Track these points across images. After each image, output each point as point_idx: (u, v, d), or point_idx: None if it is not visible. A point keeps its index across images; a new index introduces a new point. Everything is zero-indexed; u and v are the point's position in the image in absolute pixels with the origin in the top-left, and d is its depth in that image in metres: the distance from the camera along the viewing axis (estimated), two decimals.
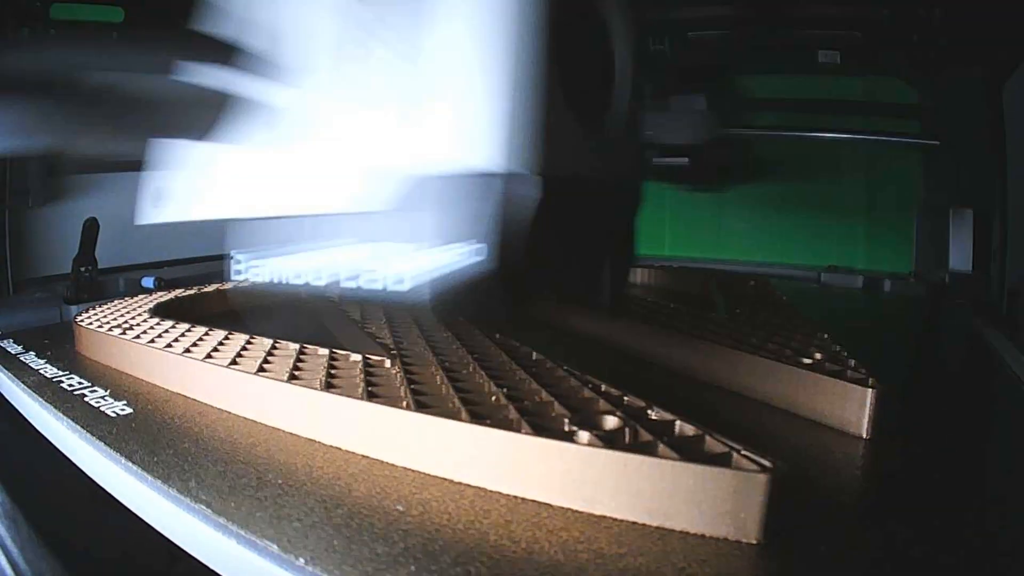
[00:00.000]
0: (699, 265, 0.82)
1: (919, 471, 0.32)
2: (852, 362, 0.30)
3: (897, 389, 0.29)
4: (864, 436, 0.28)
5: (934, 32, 0.72)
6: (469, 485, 0.22)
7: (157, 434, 0.27)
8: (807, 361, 0.31)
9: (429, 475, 0.23)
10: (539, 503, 0.21)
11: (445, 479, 0.22)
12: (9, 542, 0.29)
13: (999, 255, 0.72)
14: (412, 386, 0.26)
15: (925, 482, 0.30)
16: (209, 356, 0.31)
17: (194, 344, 0.34)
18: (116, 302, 0.48)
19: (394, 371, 0.29)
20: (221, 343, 0.34)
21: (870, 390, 0.27)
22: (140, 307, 0.45)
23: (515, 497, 0.21)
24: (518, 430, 0.21)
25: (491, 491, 0.22)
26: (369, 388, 0.26)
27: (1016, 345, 0.46)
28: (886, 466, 0.29)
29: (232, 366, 0.30)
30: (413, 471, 0.23)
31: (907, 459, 0.32)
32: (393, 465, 0.24)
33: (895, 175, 0.84)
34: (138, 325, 0.39)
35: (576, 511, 0.20)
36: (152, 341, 0.35)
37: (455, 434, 0.22)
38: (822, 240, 0.88)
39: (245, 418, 0.29)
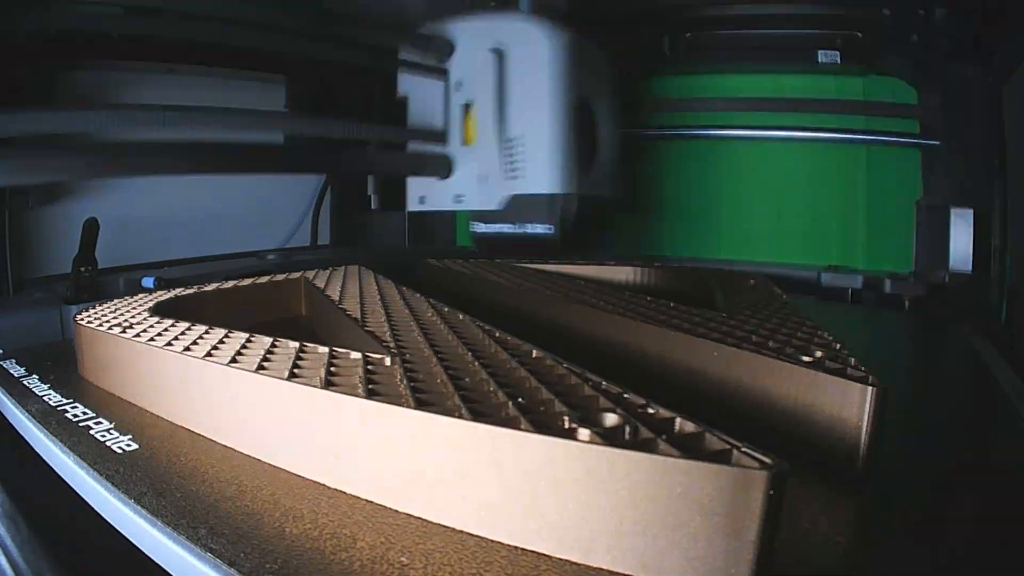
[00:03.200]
0: (699, 265, 0.82)
1: (918, 473, 0.32)
2: (852, 360, 0.30)
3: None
4: (864, 435, 0.28)
5: (934, 32, 0.72)
6: (471, 534, 0.22)
7: (164, 474, 0.27)
8: (807, 359, 0.31)
9: (432, 523, 0.23)
10: (538, 554, 0.21)
11: (447, 527, 0.22)
12: (9, 542, 0.29)
13: (999, 255, 0.72)
14: (412, 384, 0.26)
15: (924, 485, 0.30)
16: (209, 354, 0.31)
17: (193, 343, 0.34)
18: (116, 301, 0.48)
19: (394, 369, 0.29)
20: (222, 341, 0.34)
21: (870, 388, 0.27)
22: (140, 306, 0.45)
23: (515, 548, 0.21)
24: (518, 427, 0.21)
25: (492, 541, 0.22)
26: (369, 386, 0.26)
27: (1014, 369, 0.46)
28: (885, 467, 0.29)
29: (232, 364, 0.30)
30: (417, 518, 0.23)
31: (906, 463, 0.32)
32: (396, 512, 0.24)
33: (895, 175, 0.84)
34: (138, 324, 0.39)
35: (573, 563, 0.20)
36: (152, 339, 0.35)
37: (455, 432, 0.22)
38: (822, 240, 0.89)
39: (249, 455, 0.29)
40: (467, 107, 0.78)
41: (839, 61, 0.81)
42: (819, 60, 0.82)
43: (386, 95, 0.86)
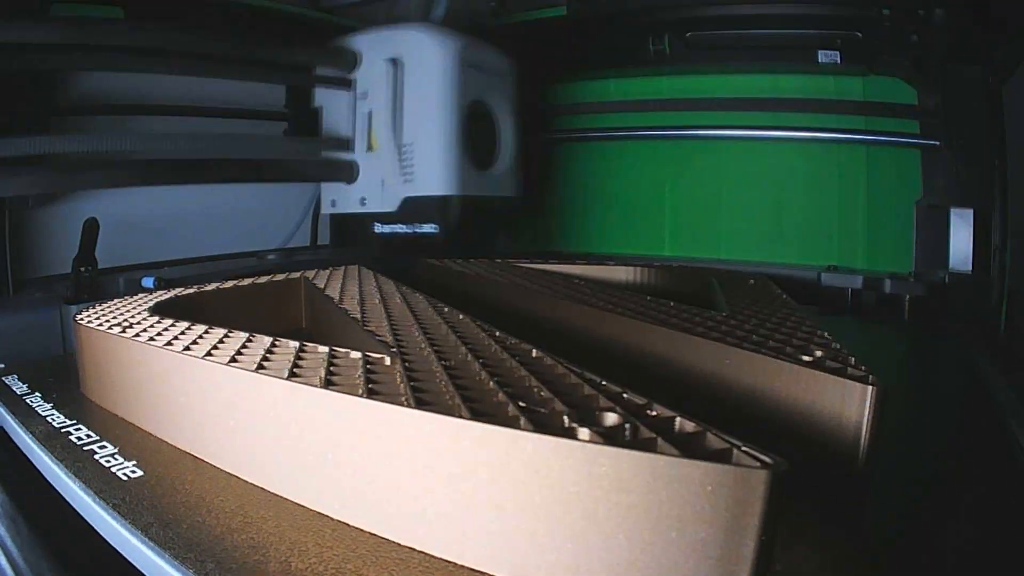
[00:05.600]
0: (699, 265, 0.82)
1: (917, 475, 0.32)
2: (852, 359, 0.30)
3: None
4: (864, 434, 0.28)
5: (934, 32, 0.72)
6: (471, 570, 0.22)
7: (169, 503, 0.27)
8: (807, 358, 0.31)
9: (434, 556, 0.23)
10: None
11: (450, 562, 0.22)
12: (9, 542, 0.29)
13: (999, 255, 0.72)
14: (412, 383, 0.26)
15: (923, 489, 0.30)
16: (209, 354, 0.31)
17: (193, 342, 0.34)
18: (115, 301, 0.48)
19: (394, 368, 0.29)
20: (221, 341, 0.34)
21: (871, 387, 0.27)
22: (139, 306, 0.45)
23: None
24: (517, 427, 0.21)
25: None
26: (369, 385, 0.26)
27: (1015, 393, 0.45)
28: (885, 468, 0.29)
29: (231, 363, 0.30)
30: (419, 552, 0.23)
31: (905, 461, 0.32)
32: (399, 545, 0.24)
33: (895, 175, 0.84)
34: (137, 324, 0.39)
35: None
36: (151, 339, 0.35)
37: (455, 431, 0.22)
38: (822, 240, 0.89)
39: (252, 484, 0.28)
40: (370, 115, 0.84)
41: (839, 61, 0.81)
42: (819, 60, 0.82)
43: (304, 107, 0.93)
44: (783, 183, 0.91)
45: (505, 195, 0.89)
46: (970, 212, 0.74)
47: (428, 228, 0.82)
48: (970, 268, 0.74)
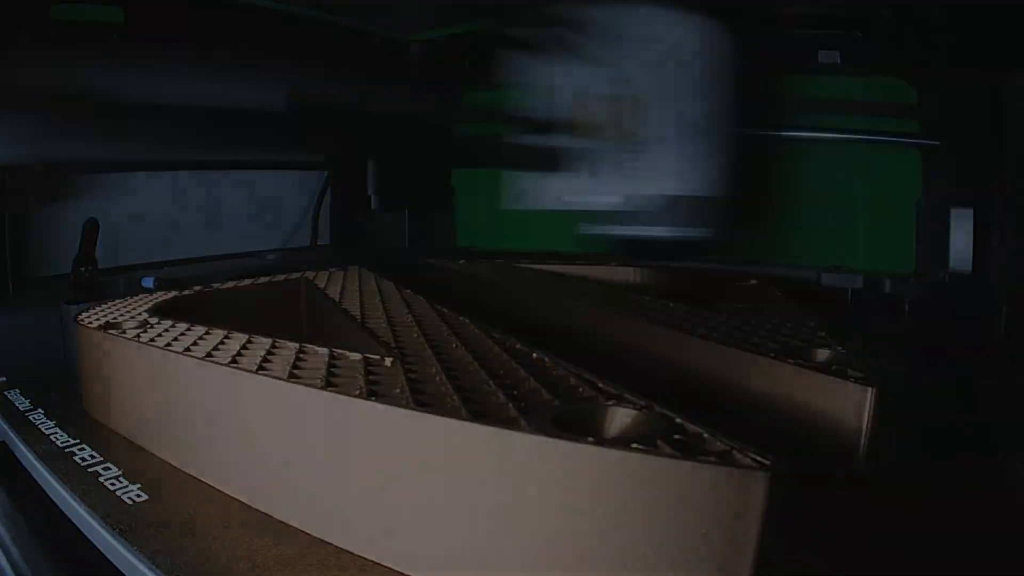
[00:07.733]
0: (700, 265, 0.82)
1: (917, 475, 0.32)
2: (853, 362, 0.30)
3: None
4: (864, 436, 0.28)
5: (934, 32, 0.72)
6: None
7: (176, 530, 0.27)
8: (807, 360, 0.31)
9: None
10: None
11: None
12: (9, 542, 0.29)
13: (999, 255, 0.72)
14: (412, 385, 0.26)
15: (923, 491, 0.30)
16: (210, 355, 0.31)
17: (194, 344, 0.34)
18: (116, 302, 0.48)
19: (394, 370, 0.29)
20: (222, 342, 0.34)
21: (870, 389, 0.27)
22: (140, 307, 0.45)
23: None
24: (517, 428, 0.21)
25: None
26: (369, 387, 0.26)
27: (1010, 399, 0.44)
28: (884, 470, 0.29)
29: (231, 364, 0.30)
30: None
31: (904, 462, 0.32)
32: (403, 574, 0.24)
33: (895, 175, 0.84)
34: (138, 326, 0.39)
35: None
36: (152, 340, 0.35)
37: (454, 433, 0.22)
38: (822, 240, 0.88)
39: (255, 509, 0.29)
40: (618, 101, 0.74)
41: (839, 61, 0.81)
42: (819, 60, 0.82)
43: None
44: (781, 183, 0.90)
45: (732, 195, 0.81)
46: (970, 212, 0.74)
47: (695, 232, 0.72)
48: (970, 268, 0.74)
